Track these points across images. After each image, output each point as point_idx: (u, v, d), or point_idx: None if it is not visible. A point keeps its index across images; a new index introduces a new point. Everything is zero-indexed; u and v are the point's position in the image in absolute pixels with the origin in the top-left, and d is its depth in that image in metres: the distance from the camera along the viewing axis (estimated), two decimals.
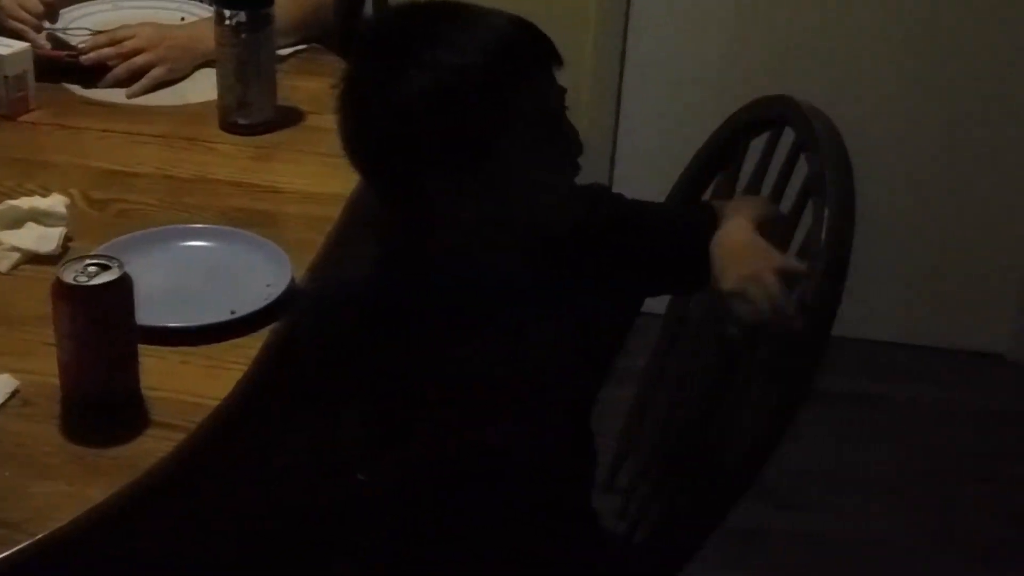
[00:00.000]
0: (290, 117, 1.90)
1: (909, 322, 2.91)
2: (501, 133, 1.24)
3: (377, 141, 1.28)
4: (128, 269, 1.31)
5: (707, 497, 1.41)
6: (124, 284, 1.24)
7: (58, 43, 2.05)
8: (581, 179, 2.72)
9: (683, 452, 1.59)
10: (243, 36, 1.81)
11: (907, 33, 2.67)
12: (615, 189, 2.75)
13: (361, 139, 1.29)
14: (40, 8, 2.01)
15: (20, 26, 1.99)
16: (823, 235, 1.27)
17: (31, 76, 1.90)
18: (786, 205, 1.48)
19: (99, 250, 1.47)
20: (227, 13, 1.81)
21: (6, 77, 1.86)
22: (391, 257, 1.37)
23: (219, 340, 1.39)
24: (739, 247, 1.27)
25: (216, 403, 1.30)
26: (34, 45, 1.96)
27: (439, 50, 1.23)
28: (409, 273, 1.34)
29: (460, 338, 1.33)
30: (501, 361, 1.35)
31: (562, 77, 1.30)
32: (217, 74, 1.87)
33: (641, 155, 2.84)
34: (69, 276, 1.22)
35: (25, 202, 1.56)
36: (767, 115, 1.55)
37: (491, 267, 1.32)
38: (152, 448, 1.23)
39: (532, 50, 1.27)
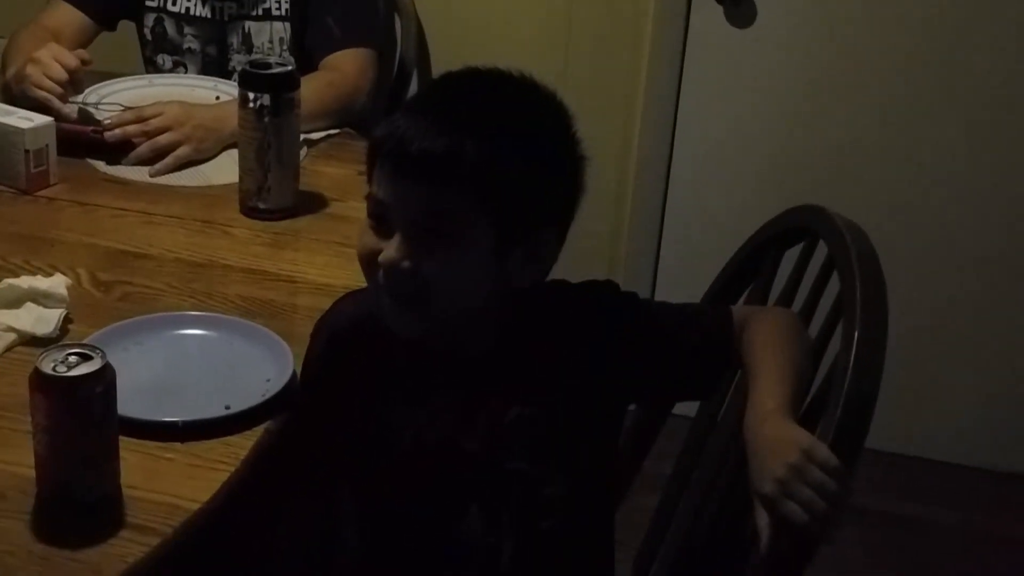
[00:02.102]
0: (311, 203, 1.86)
1: (958, 442, 2.78)
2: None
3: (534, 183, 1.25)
4: (121, 357, 1.26)
5: None
6: (105, 376, 1.17)
7: (86, 118, 2.03)
8: (621, 274, 2.70)
9: (702, 568, 1.49)
10: (266, 120, 1.77)
11: (955, 143, 2.59)
12: (659, 282, 2.80)
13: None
14: (64, 76, 1.99)
15: (44, 95, 1.96)
16: (851, 362, 1.18)
17: (53, 151, 1.87)
18: (818, 319, 1.40)
19: (93, 336, 1.42)
20: (251, 96, 1.77)
21: (27, 151, 1.83)
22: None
23: (209, 437, 1.32)
24: (772, 441, 1.17)
25: (197, 506, 1.22)
26: (58, 115, 1.94)
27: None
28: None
29: (426, 403, 1.32)
30: (460, 438, 1.31)
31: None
32: (239, 157, 1.83)
33: (685, 255, 2.77)
34: (47, 366, 1.16)
35: (25, 281, 1.51)
36: (800, 226, 1.47)
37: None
38: (122, 553, 1.16)
39: None
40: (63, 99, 1.98)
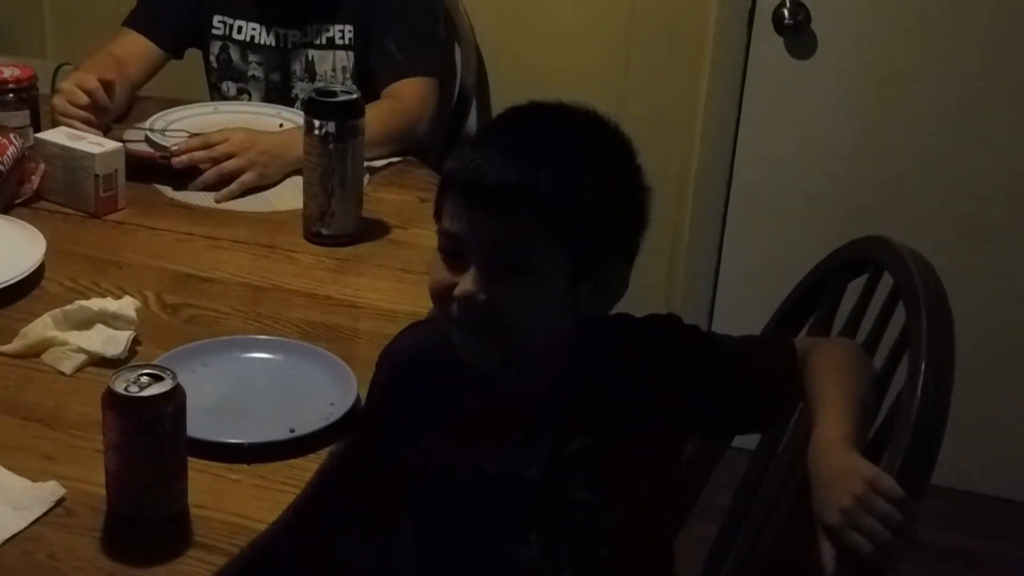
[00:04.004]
0: (374, 230, 1.88)
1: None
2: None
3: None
4: (188, 379, 1.28)
5: None
6: (176, 397, 1.19)
7: (153, 144, 2.06)
8: (678, 305, 2.70)
9: None
10: (331, 146, 1.79)
11: (1018, 174, 2.57)
12: (717, 312, 2.79)
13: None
14: (85, 100, 2.03)
15: (68, 121, 2.00)
16: (917, 393, 1.17)
17: (122, 176, 1.90)
18: (883, 352, 1.40)
19: (162, 358, 1.44)
20: (316, 123, 1.79)
21: (96, 176, 1.86)
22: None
23: (274, 459, 1.34)
24: (836, 472, 1.16)
25: (262, 527, 1.24)
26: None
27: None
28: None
29: (492, 432, 1.32)
30: (525, 466, 1.32)
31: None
32: (303, 183, 1.85)
33: (743, 286, 2.77)
34: (120, 386, 1.18)
35: (95, 303, 1.54)
36: (865, 256, 1.46)
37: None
38: (188, 571, 1.17)
39: None
40: (90, 123, 2.01)
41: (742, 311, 2.67)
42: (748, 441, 1.56)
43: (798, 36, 2.57)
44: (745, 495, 1.60)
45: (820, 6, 2.54)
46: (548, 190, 1.20)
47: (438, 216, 1.28)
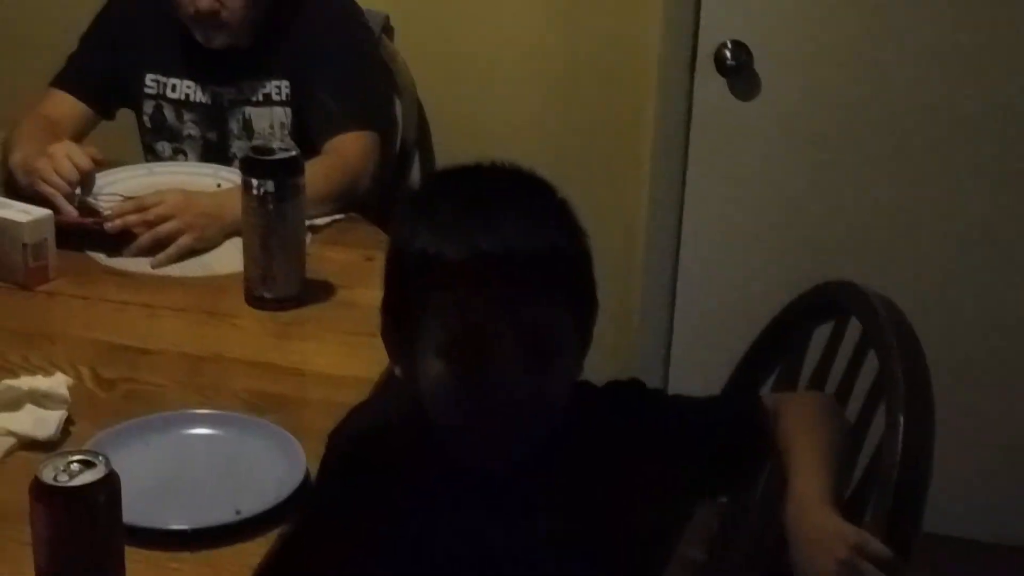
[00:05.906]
0: (318, 291, 1.80)
1: (990, 520, 2.68)
2: None
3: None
4: (126, 459, 1.21)
5: None
6: (110, 485, 1.11)
7: (86, 209, 1.98)
8: (636, 360, 2.64)
9: None
10: (271, 207, 1.72)
11: (967, 209, 2.55)
12: (673, 359, 2.73)
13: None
14: (75, 176, 1.94)
15: (51, 191, 1.92)
16: (898, 449, 1.12)
17: (52, 244, 1.82)
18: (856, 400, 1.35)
19: (97, 438, 1.36)
20: (255, 182, 1.72)
21: (24, 245, 1.78)
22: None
23: (220, 544, 1.26)
24: (817, 535, 1.10)
25: None
26: (60, 212, 1.89)
27: None
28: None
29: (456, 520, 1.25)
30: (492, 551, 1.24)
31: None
32: (243, 245, 1.77)
33: (699, 333, 2.73)
34: (48, 475, 1.10)
35: (25, 382, 1.45)
36: (831, 302, 1.42)
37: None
38: None
39: None
40: (70, 198, 1.93)
41: (699, 359, 2.63)
42: None
43: (741, 76, 2.54)
44: (716, 554, 1.54)
45: (761, 45, 2.52)
46: (567, 259, 1.17)
47: (416, 311, 1.18)
